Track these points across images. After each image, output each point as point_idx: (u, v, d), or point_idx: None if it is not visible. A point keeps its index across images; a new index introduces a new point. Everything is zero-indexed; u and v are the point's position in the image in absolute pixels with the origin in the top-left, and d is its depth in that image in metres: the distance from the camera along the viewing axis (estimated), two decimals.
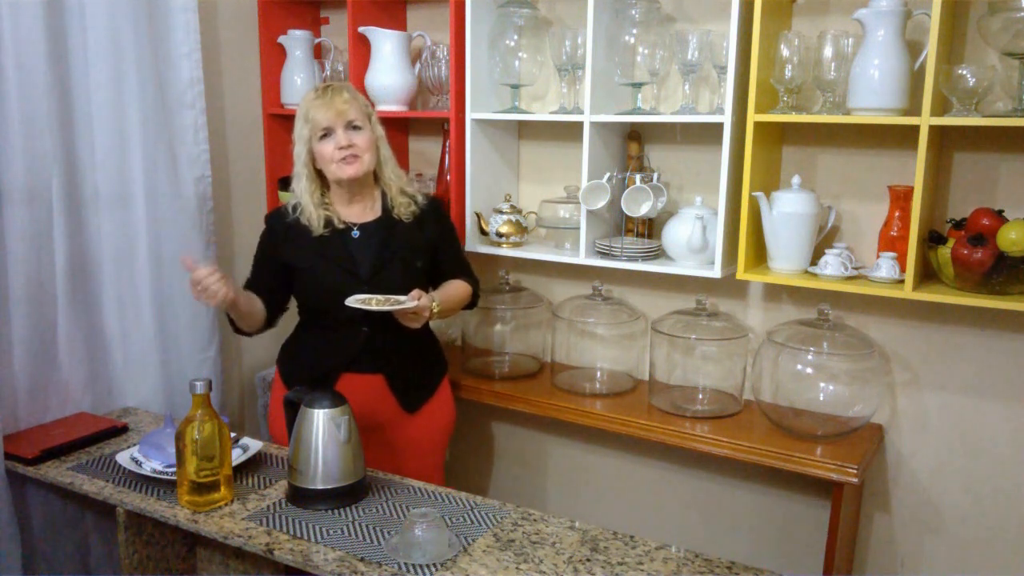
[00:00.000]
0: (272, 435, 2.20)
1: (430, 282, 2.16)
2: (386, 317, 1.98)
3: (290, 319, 2.20)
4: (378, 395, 2.09)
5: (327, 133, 1.97)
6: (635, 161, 2.40)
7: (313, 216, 2.03)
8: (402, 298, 1.93)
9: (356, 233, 2.05)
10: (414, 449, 2.16)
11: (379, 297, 1.94)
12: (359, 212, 2.08)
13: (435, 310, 1.99)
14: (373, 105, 2.21)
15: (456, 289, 2.16)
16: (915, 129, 1.87)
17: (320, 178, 2.06)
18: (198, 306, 2.49)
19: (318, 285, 2.04)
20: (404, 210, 2.08)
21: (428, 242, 2.11)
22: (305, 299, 2.11)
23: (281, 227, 2.09)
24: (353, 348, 2.06)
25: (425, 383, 2.18)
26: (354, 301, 1.91)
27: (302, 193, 2.05)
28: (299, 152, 2.03)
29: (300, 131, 2.01)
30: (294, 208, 2.08)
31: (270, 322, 2.13)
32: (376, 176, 2.09)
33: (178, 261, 2.42)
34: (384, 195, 2.10)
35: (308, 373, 2.08)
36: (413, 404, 2.14)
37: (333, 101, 1.96)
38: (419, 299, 1.93)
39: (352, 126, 1.98)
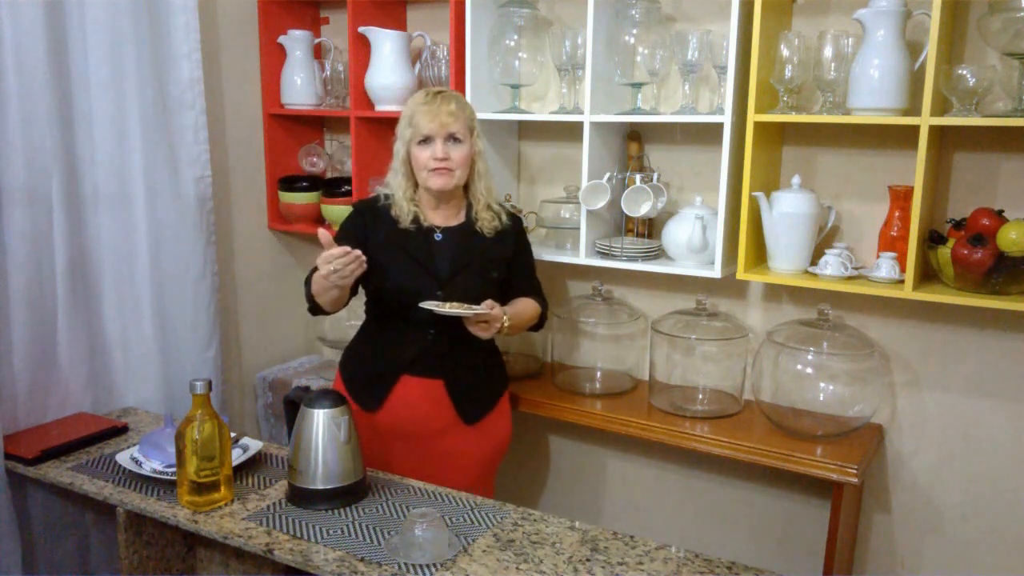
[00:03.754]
0: None
1: (501, 297, 2.14)
2: (455, 324, 1.97)
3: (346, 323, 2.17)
4: (436, 402, 2.07)
5: (426, 140, 1.99)
6: (635, 161, 2.40)
7: (404, 209, 2.04)
8: (475, 306, 1.94)
9: (439, 236, 2.06)
10: (467, 461, 2.12)
11: (453, 303, 1.96)
12: (443, 216, 2.09)
13: (506, 324, 1.98)
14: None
15: (526, 307, 2.14)
16: (915, 129, 1.87)
17: (414, 178, 2.06)
18: (198, 306, 2.50)
19: (395, 281, 2.03)
20: (487, 224, 2.07)
21: (506, 256, 2.11)
22: (378, 294, 2.10)
23: (370, 215, 2.07)
24: (416, 349, 2.05)
25: (485, 395, 2.15)
26: (428, 305, 1.93)
27: (396, 188, 2.06)
28: (398, 149, 2.05)
29: (403, 131, 2.03)
30: (385, 198, 2.08)
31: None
32: (466, 187, 2.10)
33: (178, 261, 2.44)
34: (470, 205, 2.10)
35: (369, 372, 2.09)
36: (472, 415, 2.11)
37: (440, 110, 1.97)
38: (492, 308, 1.94)
39: (453, 139, 1.99)
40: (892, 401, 2.23)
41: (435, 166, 1.98)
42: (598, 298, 2.50)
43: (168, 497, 1.83)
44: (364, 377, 2.10)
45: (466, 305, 1.94)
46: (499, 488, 2.89)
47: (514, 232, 2.15)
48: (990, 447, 2.13)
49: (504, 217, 2.12)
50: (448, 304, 1.94)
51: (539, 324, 2.22)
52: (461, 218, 2.10)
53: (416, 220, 2.05)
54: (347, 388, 2.12)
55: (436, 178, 1.99)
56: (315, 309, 2.05)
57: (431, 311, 1.92)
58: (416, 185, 2.07)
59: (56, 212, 2.15)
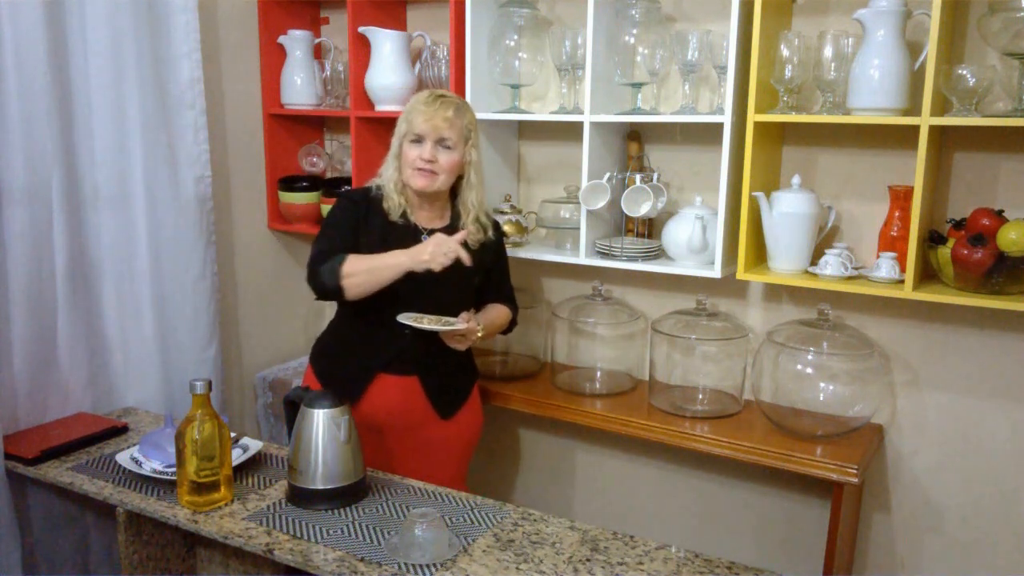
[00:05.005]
0: None
1: (476, 300, 2.17)
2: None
3: (319, 316, 2.17)
4: (412, 398, 2.10)
5: (418, 140, 2.00)
6: (635, 161, 2.40)
7: (395, 201, 2.05)
8: (453, 320, 1.98)
9: (425, 237, 2.06)
10: (444, 454, 2.16)
11: (430, 316, 1.99)
12: (427, 217, 2.10)
13: (479, 334, 2.02)
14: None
15: (498, 315, 2.19)
16: (915, 129, 1.87)
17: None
18: (198, 306, 2.50)
19: None
20: (472, 236, 2.08)
21: (486, 264, 2.14)
22: None
23: (364, 206, 2.07)
24: (392, 348, 2.07)
25: (459, 389, 2.19)
26: (406, 318, 1.95)
27: (388, 180, 2.07)
28: (394, 143, 2.07)
29: (399, 126, 2.05)
30: (376, 188, 2.09)
31: None
32: (455, 192, 2.11)
33: (178, 261, 2.44)
34: (455, 211, 2.11)
35: (345, 371, 2.10)
36: (447, 409, 2.14)
37: (435, 114, 1.98)
38: (468, 321, 1.97)
39: (443, 144, 2.00)
40: (892, 401, 2.23)
41: (420, 166, 1.99)
42: (598, 298, 2.50)
43: (168, 497, 1.83)
44: (339, 374, 2.10)
45: (444, 319, 1.99)
46: (499, 489, 2.90)
47: (496, 241, 2.18)
48: (990, 447, 2.13)
49: (490, 231, 2.15)
50: (427, 318, 1.98)
51: (508, 328, 2.27)
52: (446, 220, 2.11)
53: (405, 215, 2.07)
54: (321, 384, 2.12)
55: (419, 178, 2.01)
56: (331, 291, 1.95)
57: (410, 327, 1.95)
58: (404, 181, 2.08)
59: (56, 212, 2.15)
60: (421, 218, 2.09)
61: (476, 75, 2.42)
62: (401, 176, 2.06)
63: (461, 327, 1.96)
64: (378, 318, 2.04)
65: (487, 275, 2.17)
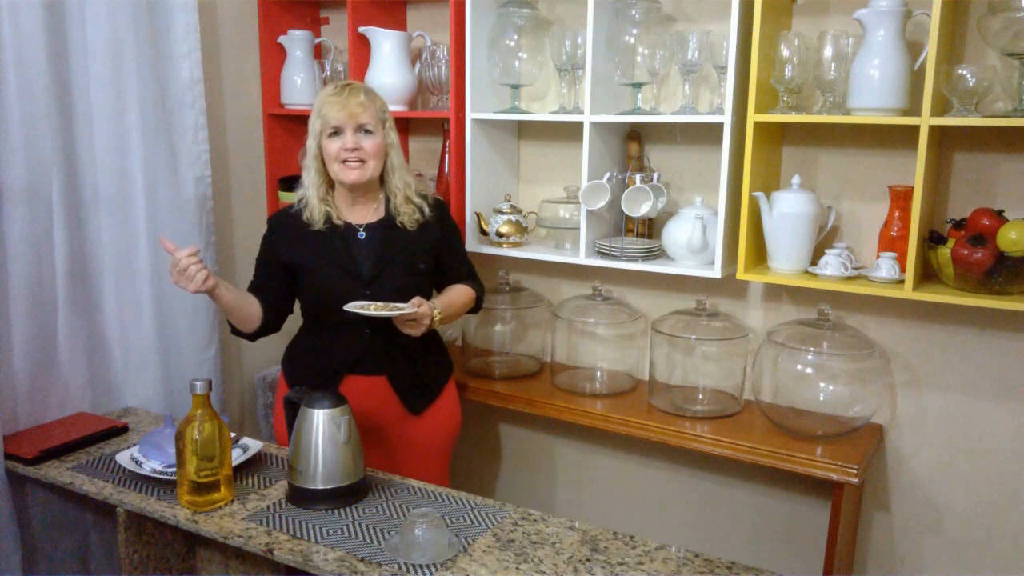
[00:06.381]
0: (277, 438, 2.20)
1: (434, 285, 2.15)
2: (389, 320, 1.96)
3: (294, 320, 2.20)
4: (381, 397, 2.08)
5: (336, 132, 1.97)
6: (635, 161, 2.40)
7: (316, 211, 2.03)
8: (401, 304, 1.93)
9: (362, 234, 2.05)
10: (419, 451, 2.15)
11: (378, 303, 1.94)
12: (362, 213, 2.08)
13: (436, 317, 1.98)
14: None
15: (459, 294, 2.15)
16: (915, 129, 1.87)
17: (327, 174, 2.05)
18: (198, 306, 2.50)
19: (319, 286, 2.04)
20: (408, 218, 2.06)
21: (431, 244, 2.10)
22: (306, 300, 2.11)
23: (283, 227, 2.08)
24: (355, 350, 2.05)
25: (429, 385, 2.17)
26: (353, 307, 1.91)
27: (308, 186, 2.05)
28: (310, 145, 2.03)
29: (313, 124, 2.01)
30: (299, 201, 2.08)
31: (271, 325, 2.11)
32: (382, 180, 2.08)
33: None
34: (388, 199, 2.09)
35: (311, 375, 2.08)
36: (417, 406, 2.13)
37: (348, 101, 1.96)
38: (419, 306, 1.93)
39: (363, 130, 1.98)
40: (892, 401, 2.23)
41: (346, 156, 1.96)
42: (598, 298, 2.50)
43: (168, 497, 1.83)
44: (308, 379, 2.05)
45: (392, 305, 1.93)
46: (499, 489, 2.90)
47: (437, 219, 2.13)
48: (990, 447, 2.13)
49: (426, 209, 2.10)
50: (374, 305, 1.93)
51: (475, 308, 2.24)
52: (381, 213, 2.08)
53: (329, 220, 2.04)
54: (291, 388, 2.12)
55: (349, 172, 1.98)
56: (234, 330, 2.09)
57: (359, 315, 1.91)
58: (330, 182, 2.06)
59: (56, 212, 2.15)
60: (356, 216, 2.07)
61: (476, 75, 2.43)
62: (324, 179, 2.03)
63: (409, 311, 1.91)
64: (334, 320, 2.02)
65: (437, 256, 2.13)
